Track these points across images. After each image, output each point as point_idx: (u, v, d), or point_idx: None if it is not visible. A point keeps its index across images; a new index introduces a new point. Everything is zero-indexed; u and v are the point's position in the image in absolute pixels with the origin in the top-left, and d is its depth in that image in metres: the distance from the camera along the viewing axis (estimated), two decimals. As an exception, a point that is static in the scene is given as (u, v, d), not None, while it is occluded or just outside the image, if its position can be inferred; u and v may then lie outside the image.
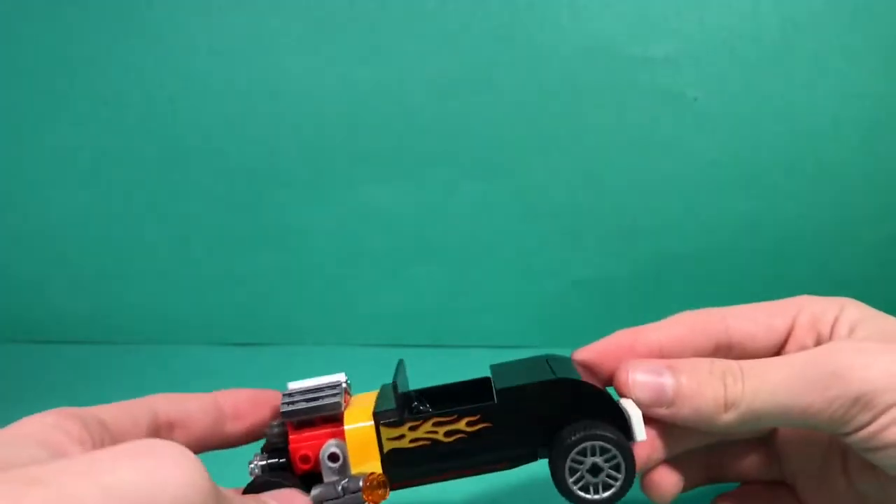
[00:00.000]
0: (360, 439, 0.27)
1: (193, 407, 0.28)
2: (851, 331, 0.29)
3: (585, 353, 0.32)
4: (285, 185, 0.58)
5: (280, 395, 0.29)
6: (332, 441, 0.27)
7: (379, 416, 0.28)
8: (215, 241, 0.60)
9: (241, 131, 0.57)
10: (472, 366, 0.32)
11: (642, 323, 0.32)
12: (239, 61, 0.55)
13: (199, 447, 0.28)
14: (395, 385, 0.28)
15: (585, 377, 0.29)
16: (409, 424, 0.27)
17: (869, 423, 0.26)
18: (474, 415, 0.28)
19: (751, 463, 0.35)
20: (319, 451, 0.27)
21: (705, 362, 0.28)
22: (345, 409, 0.28)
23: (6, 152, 0.59)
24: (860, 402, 0.25)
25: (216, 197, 0.59)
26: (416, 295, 0.60)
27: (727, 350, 0.31)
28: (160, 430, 0.27)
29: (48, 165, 0.59)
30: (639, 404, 0.28)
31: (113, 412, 0.25)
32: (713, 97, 0.53)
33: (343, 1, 0.53)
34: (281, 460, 0.27)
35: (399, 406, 0.28)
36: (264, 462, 0.27)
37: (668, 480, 0.34)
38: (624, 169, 0.55)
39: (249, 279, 0.61)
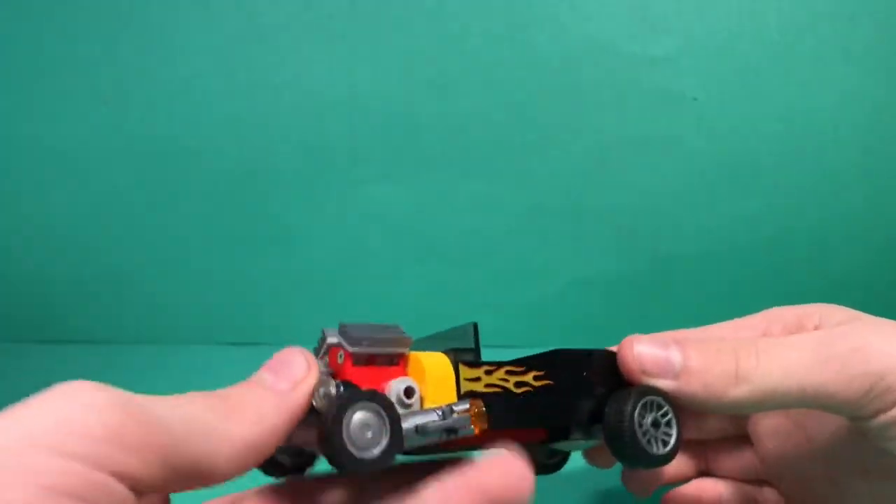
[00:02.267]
0: (438, 375, 0.25)
1: None
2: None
3: None
4: (285, 185, 0.58)
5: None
6: (404, 377, 0.25)
7: (458, 354, 0.26)
8: (215, 241, 0.60)
9: (241, 131, 0.57)
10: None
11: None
12: (239, 61, 0.55)
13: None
14: (475, 326, 0.27)
15: None
16: (485, 368, 0.27)
17: (890, 407, 0.24)
18: (540, 370, 0.28)
19: (736, 461, 0.35)
20: (383, 385, 0.24)
21: (714, 340, 0.27)
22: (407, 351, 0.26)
23: (6, 152, 0.59)
24: (883, 382, 0.24)
25: (216, 197, 0.58)
26: (416, 295, 0.60)
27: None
28: None
29: (48, 165, 0.59)
30: (644, 374, 0.27)
31: None
32: (713, 97, 0.53)
33: (343, 1, 0.53)
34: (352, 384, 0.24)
35: (477, 348, 0.27)
36: (334, 389, 0.24)
37: (647, 473, 0.34)
38: (624, 169, 0.55)
39: (249, 279, 0.61)
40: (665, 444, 0.27)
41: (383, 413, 0.22)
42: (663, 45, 0.52)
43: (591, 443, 0.30)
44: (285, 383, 0.22)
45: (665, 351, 0.27)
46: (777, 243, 0.55)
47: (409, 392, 0.24)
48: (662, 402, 0.27)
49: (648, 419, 0.27)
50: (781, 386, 0.25)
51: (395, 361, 0.25)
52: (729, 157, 0.54)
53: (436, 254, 0.58)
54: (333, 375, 0.25)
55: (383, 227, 0.58)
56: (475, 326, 0.27)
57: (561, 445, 0.30)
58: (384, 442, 0.22)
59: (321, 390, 0.23)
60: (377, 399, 0.23)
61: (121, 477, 0.17)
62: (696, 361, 0.26)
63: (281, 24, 0.54)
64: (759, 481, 0.34)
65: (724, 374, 0.26)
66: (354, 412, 0.22)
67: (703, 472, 0.36)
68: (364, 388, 0.24)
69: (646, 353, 0.27)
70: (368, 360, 0.25)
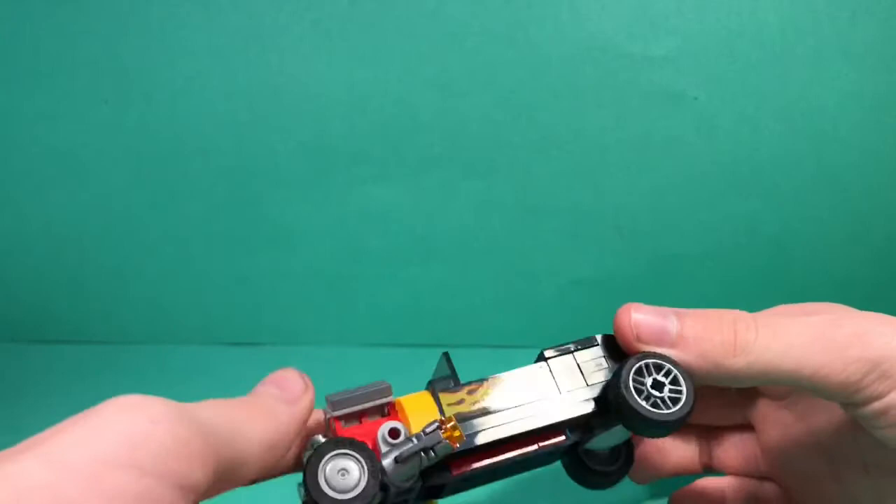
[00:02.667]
0: (419, 411, 0.26)
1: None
2: None
3: None
4: (285, 185, 0.58)
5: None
6: (389, 421, 0.26)
7: (435, 384, 0.27)
8: (215, 241, 0.60)
9: (241, 131, 0.57)
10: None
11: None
12: (239, 61, 0.55)
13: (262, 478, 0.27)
14: (446, 355, 0.28)
15: None
16: (467, 389, 0.27)
17: (884, 395, 0.24)
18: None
19: (739, 452, 0.35)
20: (376, 435, 0.25)
21: (713, 311, 0.27)
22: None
23: (6, 152, 0.59)
24: (879, 368, 0.24)
25: (216, 197, 0.58)
26: (416, 295, 0.60)
27: None
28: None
29: (48, 165, 0.59)
30: (639, 341, 0.27)
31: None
32: (713, 97, 0.53)
33: (343, 1, 0.53)
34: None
35: (454, 374, 0.28)
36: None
37: (651, 462, 0.34)
38: (624, 169, 0.55)
39: (249, 279, 0.61)
40: (676, 401, 0.26)
41: (354, 453, 0.24)
42: (663, 45, 0.52)
43: (620, 429, 0.29)
44: (289, 394, 0.24)
45: (662, 319, 0.27)
46: (777, 243, 0.55)
47: (393, 433, 0.25)
48: (661, 363, 0.27)
49: (648, 381, 0.26)
50: (778, 362, 0.25)
51: (386, 412, 0.27)
52: (729, 157, 0.54)
53: (436, 254, 0.58)
54: None
55: (383, 227, 0.58)
56: (446, 355, 0.28)
57: (594, 444, 0.30)
58: (363, 479, 0.23)
59: (306, 452, 0.25)
60: (345, 443, 0.24)
61: (187, 489, 0.17)
62: (693, 330, 0.26)
63: (281, 24, 0.54)
64: (761, 477, 0.35)
65: (721, 345, 0.26)
66: (328, 460, 0.23)
67: (707, 465, 0.36)
68: (363, 439, 0.25)
69: (642, 320, 0.27)
70: (360, 418, 0.26)
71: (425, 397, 0.27)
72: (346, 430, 0.26)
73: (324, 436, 0.26)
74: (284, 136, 0.57)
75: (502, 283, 0.59)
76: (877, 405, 0.24)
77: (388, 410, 0.26)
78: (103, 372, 0.59)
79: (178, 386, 0.57)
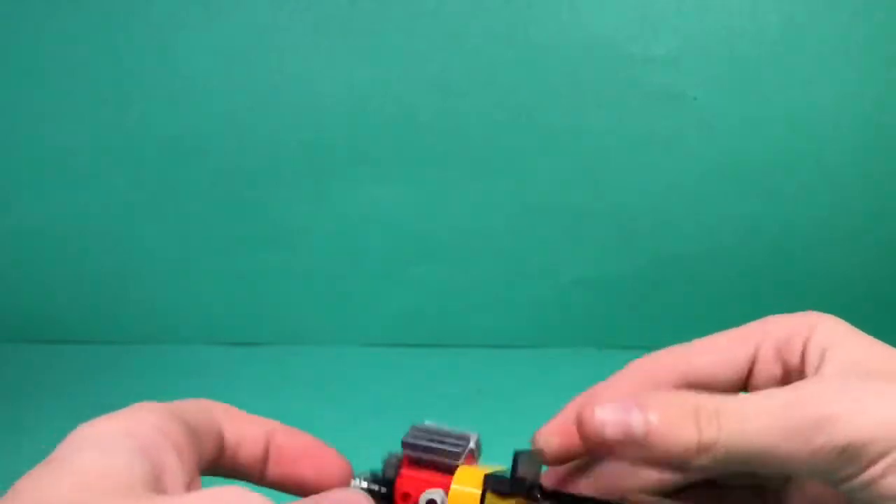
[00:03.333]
0: (461, 494, 0.26)
1: (248, 436, 0.26)
2: (821, 358, 0.27)
3: (551, 436, 0.30)
4: (285, 184, 0.58)
5: (343, 464, 0.28)
6: (434, 489, 0.26)
7: (490, 479, 0.26)
8: (215, 241, 0.60)
9: (242, 131, 0.57)
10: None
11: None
12: (239, 61, 0.55)
13: (234, 476, 0.27)
14: (515, 456, 0.27)
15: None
16: (517, 499, 0.27)
17: (858, 474, 0.24)
18: None
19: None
20: (421, 494, 0.26)
21: (675, 398, 0.26)
22: (462, 463, 0.27)
23: (6, 152, 0.59)
24: (847, 452, 0.24)
25: (216, 197, 0.58)
26: (416, 295, 0.60)
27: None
28: (214, 449, 0.26)
29: (48, 165, 0.59)
30: (607, 444, 0.26)
31: (194, 420, 0.24)
32: (713, 97, 0.53)
33: (343, 1, 0.53)
34: (382, 489, 0.26)
35: (513, 478, 0.27)
36: (364, 486, 0.26)
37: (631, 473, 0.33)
38: (624, 169, 0.55)
39: (249, 279, 0.61)
40: None
41: None
42: (663, 44, 0.52)
43: None
44: None
45: (627, 416, 0.25)
46: (777, 243, 0.55)
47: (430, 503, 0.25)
48: None
49: None
50: (745, 454, 0.25)
51: (451, 471, 0.26)
52: (729, 157, 0.54)
53: (436, 254, 0.58)
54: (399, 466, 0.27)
55: (383, 227, 0.58)
56: (515, 455, 0.27)
57: None
58: None
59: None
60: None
61: None
62: (657, 427, 0.25)
63: (281, 24, 0.54)
64: (756, 486, 0.34)
65: (685, 444, 0.25)
66: None
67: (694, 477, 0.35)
68: (405, 491, 0.25)
69: (608, 420, 0.26)
70: (428, 465, 0.26)
71: (475, 480, 0.26)
72: (410, 471, 0.25)
73: (396, 456, 0.26)
74: (285, 135, 0.57)
75: (502, 283, 0.59)
76: (853, 483, 0.24)
77: (453, 469, 0.26)
78: (103, 372, 0.58)
79: (178, 386, 0.57)
